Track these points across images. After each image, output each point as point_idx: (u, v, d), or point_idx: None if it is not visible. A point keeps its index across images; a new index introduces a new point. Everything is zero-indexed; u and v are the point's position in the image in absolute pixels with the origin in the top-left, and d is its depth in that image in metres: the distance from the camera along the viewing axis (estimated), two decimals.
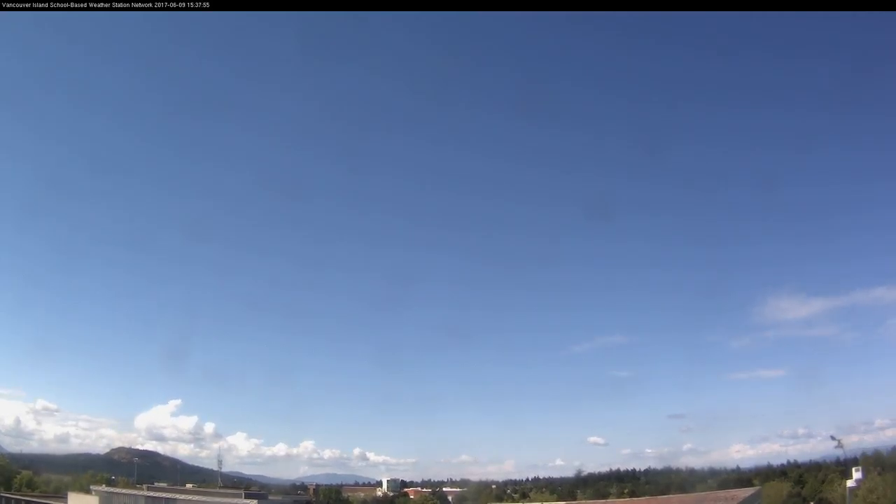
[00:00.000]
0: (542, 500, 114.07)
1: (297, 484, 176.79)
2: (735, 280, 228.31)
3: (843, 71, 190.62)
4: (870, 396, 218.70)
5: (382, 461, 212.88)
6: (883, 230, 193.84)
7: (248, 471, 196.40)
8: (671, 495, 71.13)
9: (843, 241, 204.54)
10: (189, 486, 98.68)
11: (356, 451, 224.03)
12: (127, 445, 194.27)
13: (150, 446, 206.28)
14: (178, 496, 77.75)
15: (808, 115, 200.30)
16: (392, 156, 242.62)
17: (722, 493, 52.46)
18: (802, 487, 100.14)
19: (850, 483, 60.10)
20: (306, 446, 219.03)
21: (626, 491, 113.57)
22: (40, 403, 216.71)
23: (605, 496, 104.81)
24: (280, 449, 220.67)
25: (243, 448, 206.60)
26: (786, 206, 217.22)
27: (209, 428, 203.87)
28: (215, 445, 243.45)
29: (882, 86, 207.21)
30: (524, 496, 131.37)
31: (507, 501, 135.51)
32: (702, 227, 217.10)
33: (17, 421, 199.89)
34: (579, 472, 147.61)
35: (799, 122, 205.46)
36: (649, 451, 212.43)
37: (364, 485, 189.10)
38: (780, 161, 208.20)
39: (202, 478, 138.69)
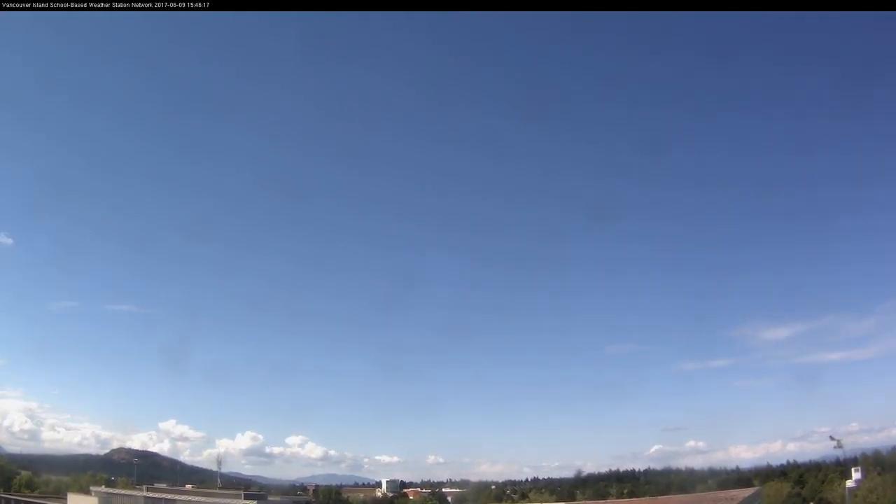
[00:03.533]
0: (541, 501, 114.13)
1: (297, 484, 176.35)
2: (737, 283, 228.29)
3: (844, 74, 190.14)
4: (869, 397, 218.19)
5: (382, 461, 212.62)
6: (883, 234, 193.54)
7: (248, 471, 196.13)
8: (671, 495, 71.01)
9: (845, 245, 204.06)
10: (188, 486, 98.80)
11: (356, 451, 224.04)
12: (126, 446, 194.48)
13: (149, 447, 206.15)
14: (177, 497, 77.66)
15: (809, 119, 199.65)
16: (392, 156, 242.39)
17: (722, 494, 52.21)
18: (802, 487, 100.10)
19: (849, 483, 60.38)
20: (306, 447, 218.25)
21: (625, 491, 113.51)
22: (40, 404, 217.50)
23: (604, 496, 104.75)
24: (280, 449, 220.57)
25: (243, 448, 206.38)
26: (788, 210, 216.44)
27: (208, 429, 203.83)
28: (214, 445, 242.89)
29: (882, 88, 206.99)
30: (524, 496, 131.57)
31: (506, 502, 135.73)
32: (705, 231, 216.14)
33: (17, 421, 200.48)
34: (579, 472, 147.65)
35: (799, 126, 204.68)
36: (649, 451, 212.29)
37: (363, 485, 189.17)
38: (781, 164, 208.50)
39: (202, 478, 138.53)
